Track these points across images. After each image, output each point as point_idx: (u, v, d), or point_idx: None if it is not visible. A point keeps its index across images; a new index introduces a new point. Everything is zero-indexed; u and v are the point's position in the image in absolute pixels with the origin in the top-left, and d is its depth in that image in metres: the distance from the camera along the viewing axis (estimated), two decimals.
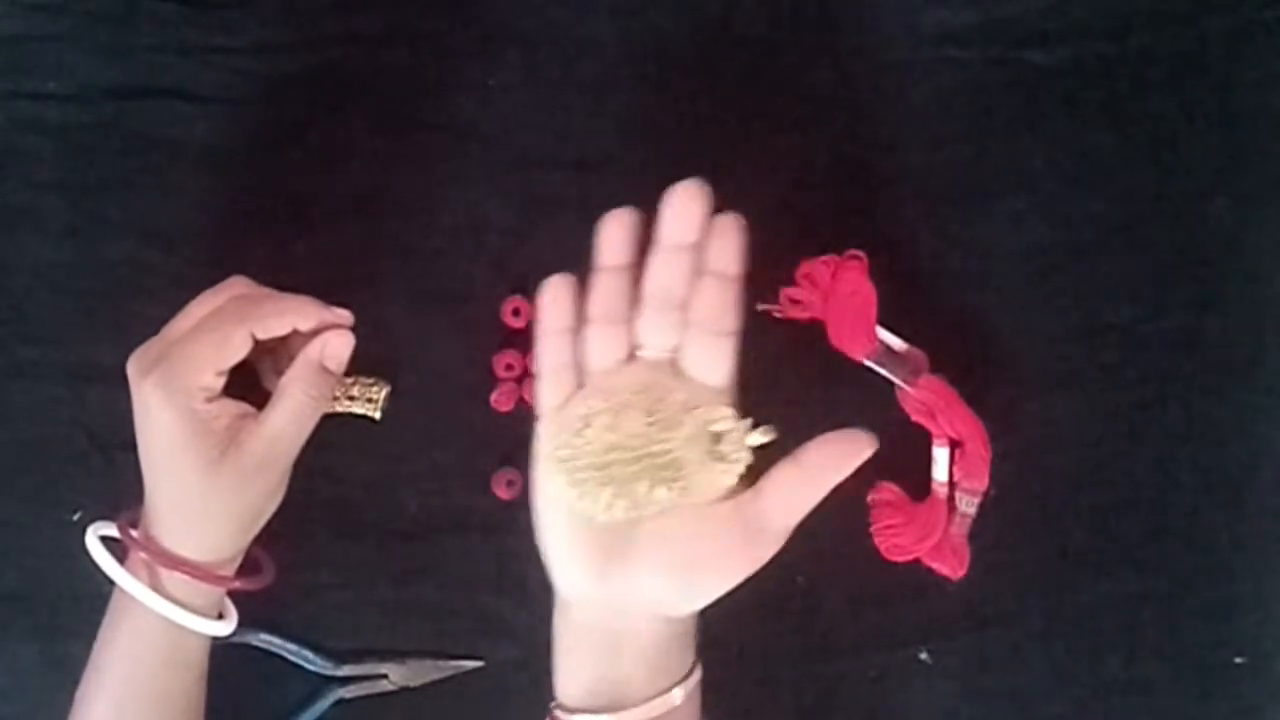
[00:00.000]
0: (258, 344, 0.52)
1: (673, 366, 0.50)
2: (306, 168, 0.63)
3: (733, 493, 0.49)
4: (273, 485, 0.52)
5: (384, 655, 0.62)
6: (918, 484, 0.62)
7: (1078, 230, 0.65)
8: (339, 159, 0.64)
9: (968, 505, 0.61)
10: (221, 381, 0.51)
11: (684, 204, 0.49)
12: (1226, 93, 0.66)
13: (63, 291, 0.62)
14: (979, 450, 0.60)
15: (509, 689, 0.62)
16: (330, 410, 0.61)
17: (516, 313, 0.63)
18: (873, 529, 0.62)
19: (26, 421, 0.62)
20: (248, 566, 0.55)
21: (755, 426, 0.49)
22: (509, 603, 0.62)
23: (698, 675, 0.51)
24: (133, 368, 0.51)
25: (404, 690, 0.62)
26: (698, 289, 0.50)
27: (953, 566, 0.61)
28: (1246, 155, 0.66)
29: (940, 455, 0.61)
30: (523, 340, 0.62)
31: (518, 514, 0.62)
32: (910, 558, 0.61)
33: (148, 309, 0.62)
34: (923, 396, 0.61)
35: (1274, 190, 0.65)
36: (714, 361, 0.50)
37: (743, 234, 0.50)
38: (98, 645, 0.53)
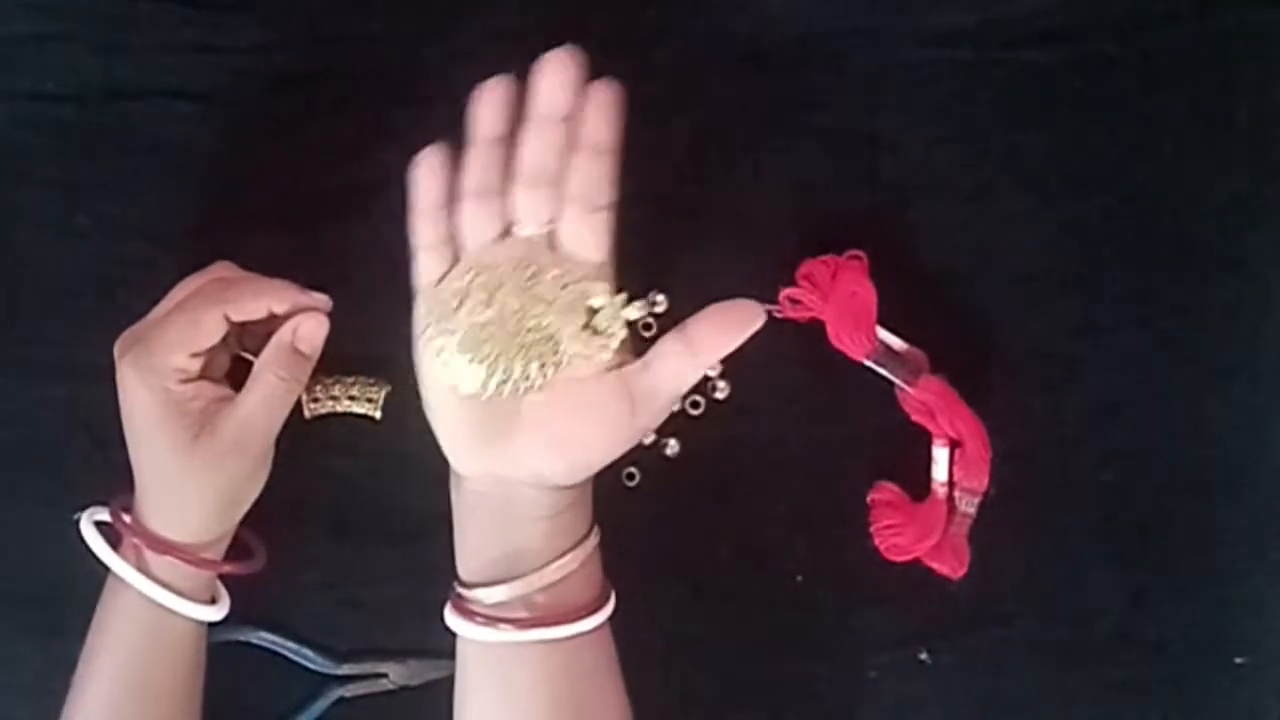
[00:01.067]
0: (247, 330, 0.53)
1: (549, 242, 0.50)
2: (306, 168, 0.63)
3: (617, 364, 0.49)
4: (249, 468, 0.52)
5: (384, 655, 0.62)
6: (918, 484, 0.62)
7: (1078, 230, 0.65)
8: (339, 159, 0.64)
9: (968, 505, 0.61)
10: (196, 364, 0.52)
11: (554, 74, 0.49)
12: (1227, 93, 0.66)
13: (63, 291, 0.62)
14: (979, 450, 0.60)
15: None
16: (330, 410, 0.61)
17: None
18: (873, 529, 0.62)
19: (26, 421, 0.62)
20: (238, 551, 0.55)
21: (631, 300, 0.49)
22: None
23: (594, 540, 0.52)
24: (116, 348, 0.52)
25: (404, 690, 0.62)
26: (571, 163, 0.49)
27: (953, 566, 0.61)
28: (1247, 155, 0.66)
29: (940, 455, 0.61)
30: None
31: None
32: (910, 558, 0.61)
33: (148, 309, 0.62)
34: (923, 396, 0.61)
35: (1274, 190, 0.65)
36: (589, 237, 0.50)
37: (617, 103, 0.49)
38: (91, 630, 0.54)
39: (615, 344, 0.49)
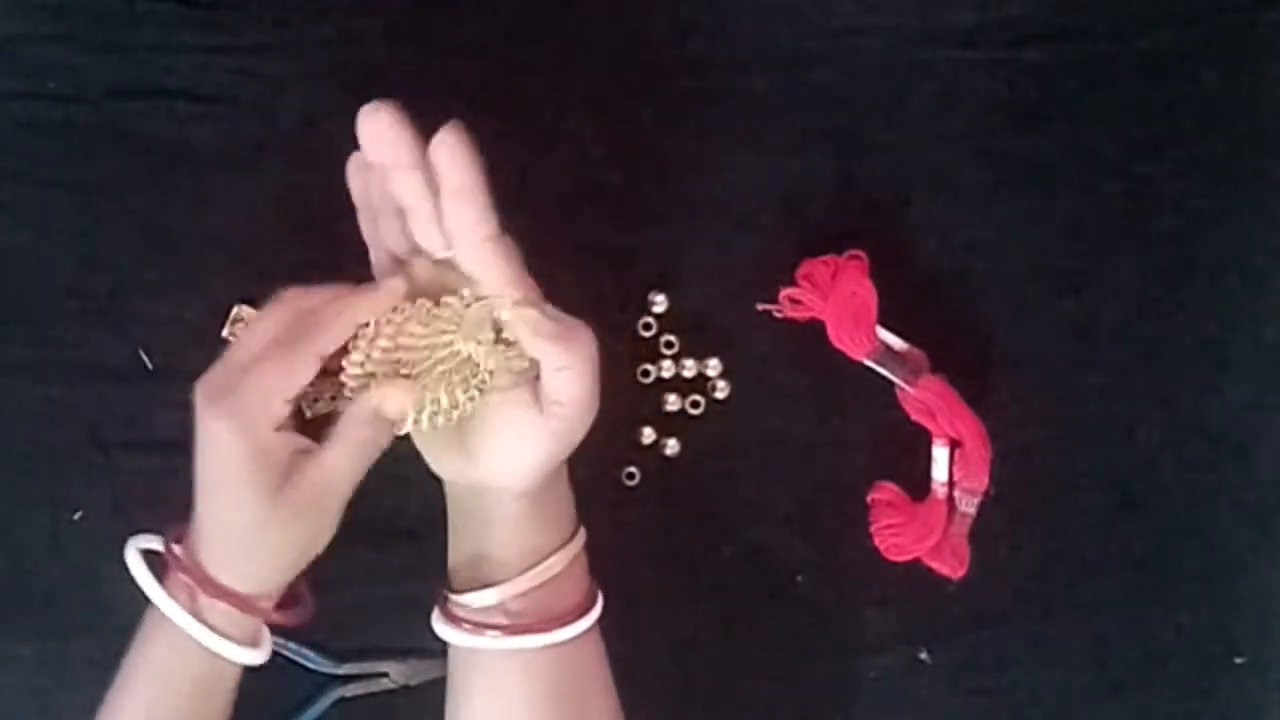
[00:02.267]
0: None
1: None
2: (306, 168, 0.63)
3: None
4: (324, 524, 0.51)
5: (384, 654, 0.62)
6: (918, 484, 0.62)
7: (1078, 230, 0.65)
8: (338, 159, 0.64)
9: (968, 505, 0.61)
10: (289, 410, 0.49)
11: (375, 136, 0.50)
12: (1226, 93, 0.66)
13: (63, 291, 0.62)
14: (979, 450, 0.60)
15: None
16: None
17: None
18: (873, 529, 0.62)
19: (26, 421, 0.62)
20: (288, 598, 0.54)
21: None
22: None
23: (578, 544, 0.52)
24: (200, 396, 0.49)
25: (404, 689, 0.62)
26: (441, 204, 0.50)
27: (953, 566, 0.61)
28: (1246, 155, 0.66)
29: (940, 455, 0.61)
30: None
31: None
32: (910, 558, 0.61)
33: (148, 309, 0.62)
34: (923, 396, 0.61)
35: (1274, 190, 0.65)
36: (481, 265, 0.50)
37: (463, 142, 0.49)
38: (128, 660, 0.52)
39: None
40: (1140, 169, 0.65)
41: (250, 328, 0.50)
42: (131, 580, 0.51)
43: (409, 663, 0.62)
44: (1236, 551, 0.65)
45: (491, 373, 0.50)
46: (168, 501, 0.62)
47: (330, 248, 0.63)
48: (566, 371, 0.49)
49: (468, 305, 0.50)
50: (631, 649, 0.63)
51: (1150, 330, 0.65)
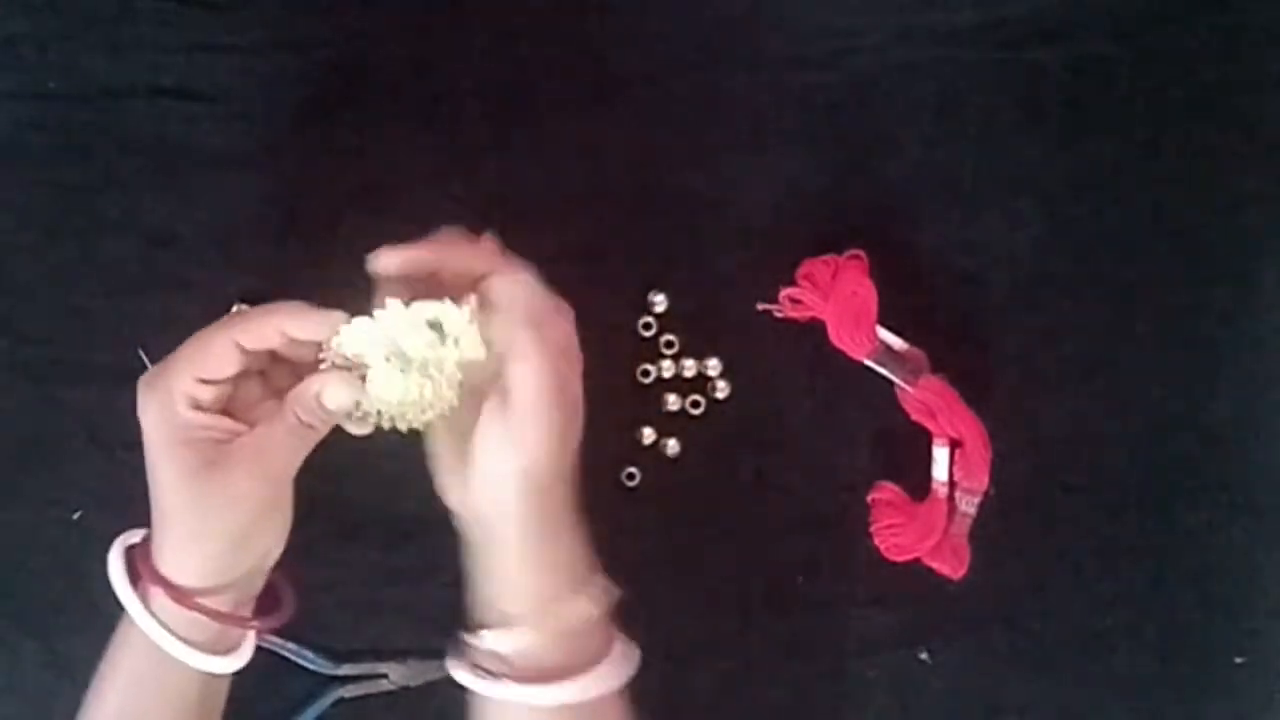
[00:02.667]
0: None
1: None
2: (306, 167, 0.63)
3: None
4: (260, 506, 0.50)
5: (384, 655, 0.62)
6: (918, 484, 0.62)
7: (1078, 230, 0.65)
8: (338, 158, 0.64)
9: (968, 505, 0.61)
10: (207, 392, 0.49)
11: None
12: (1226, 93, 0.66)
13: (63, 291, 0.62)
14: (979, 450, 0.60)
15: None
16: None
17: None
18: (873, 529, 0.62)
19: (26, 421, 0.62)
20: (267, 600, 0.54)
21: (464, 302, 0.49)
22: None
23: (596, 599, 0.50)
24: (138, 386, 0.50)
25: (404, 690, 0.62)
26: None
27: (953, 566, 0.61)
28: (1246, 155, 0.66)
29: (940, 455, 0.61)
30: None
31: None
32: (910, 558, 0.61)
33: (148, 309, 0.62)
34: (923, 396, 0.61)
35: (1274, 190, 0.65)
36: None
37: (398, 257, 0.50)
38: (102, 664, 0.52)
39: (478, 343, 0.49)
40: (1140, 169, 0.65)
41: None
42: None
43: (409, 664, 0.62)
44: (1236, 551, 0.65)
45: (457, 365, 0.49)
46: None
47: (329, 248, 0.63)
48: (523, 364, 0.47)
49: (406, 305, 0.49)
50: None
51: (1150, 330, 0.65)
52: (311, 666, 0.61)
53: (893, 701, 0.63)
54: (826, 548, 0.63)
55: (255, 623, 0.52)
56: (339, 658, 0.61)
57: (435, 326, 0.49)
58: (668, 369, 0.63)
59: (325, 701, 0.61)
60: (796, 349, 0.63)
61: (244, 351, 0.49)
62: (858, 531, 0.62)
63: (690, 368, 0.63)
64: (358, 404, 0.50)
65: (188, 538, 0.50)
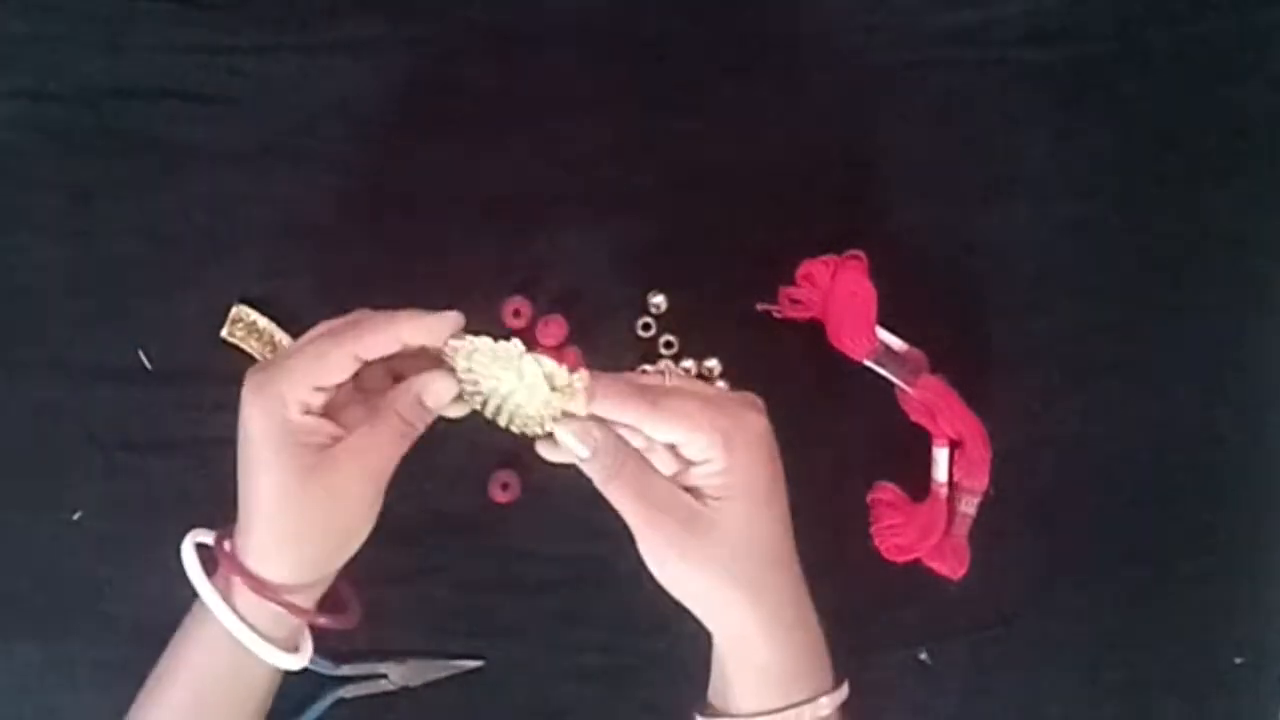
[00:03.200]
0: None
1: None
2: (305, 167, 0.63)
3: None
4: (360, 508, 0.51)
5: (384, 655, 0.62)
6: (918, 484, 0.62)
7: (1078, 230, 0.65)
8: (338, 159, 0.64)
9: (968, 505, 0.61)
10: (319, 398, 0.50)
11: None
12: (1226, 92, 0.66)
13: (63, 291, 0.62)
14: (979, 450, 0.60)
15: (509, 689, 0.62)
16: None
17: (517, 313, 0.63)
18: (873, 529, 0.62)
19: (26, 421, 0.62)
20: (333, 604, 0.54)
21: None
22: (509, 603, 0.62)
23: (828, 705, 0.51)
24: (245, 381, 0.50)
25: (404, 690, 0.62)
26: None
27: (953, 566, 0.61)
28: (1246, 155, 0.66)
29: (940, 455, 0.61)
30: (523, 340, 0.61)
31: (517, 515, 0.62)
32: (910, 558, 0.61)
33: (148, 309, 0.62)
34: (923, 396, 0.61)
35: (1274, 190, 0.65)
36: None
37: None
38: (168, 651, 0.52)
39: (582, 405, 0.50)
40: (1140, 169, 0.65)
41: (309, 331, 0.52)
42: (182, 575, 0.51)
43: (409, 664, 0.62)
44: (1236, 551, 0.65)
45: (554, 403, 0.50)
46: (167, 501, 0.62)
47: (329, 248, 0.63)
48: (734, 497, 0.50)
49: (520, 355, 0.51)
50: (631, 649, 0.63)
51: (1150, 330, 0.65)
52: (312, 666, 0.61)
53: (893, 701, 0.63)
54: (827, 548, 0.63)
55: (329, 620, 0.53)
56: (339, 658, 0.61)
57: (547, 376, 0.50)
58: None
59: (325, 702, 0.61)
60: (796, 349, 0.63)
61: (360, 361, 0.50)
62: (858, 531, 0.62)
63: (690, 368, 0.63)
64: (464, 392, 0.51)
65: (285, 538, 0.50)
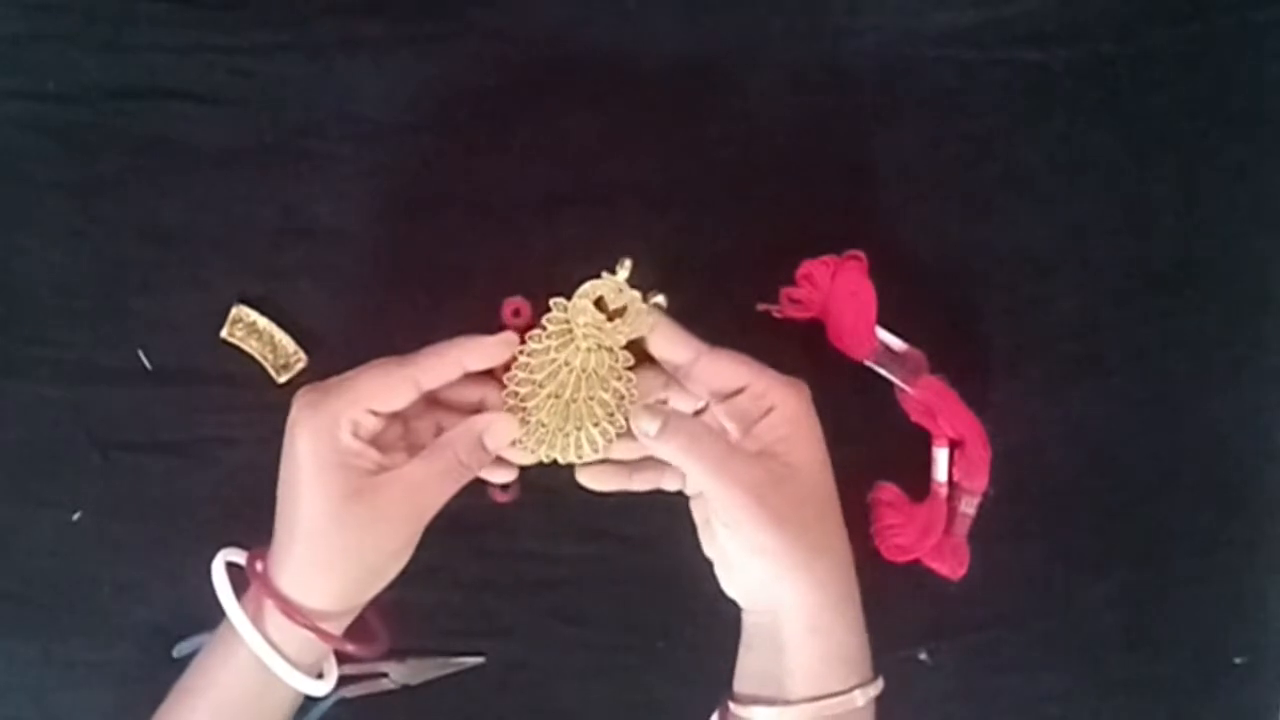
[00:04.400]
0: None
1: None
2: (305, 168, 0.63)
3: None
4: (399, 540, 0.51)
5: (384, 655, 0.62)
6: (918, 484, 0.62)
7: (1078, 230, 0.65)
8: (338, 159, 0.64)
9: (968, 505, 0.61)
10: (373, 423, 0.50)
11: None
12: (1226, 93, 0.66)
13: (63, 291, 0.62)
14: (979, 450, 0.60)
15: (509, 689, 0.62)
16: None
17: (517, 313, 0.62)
18: (873, 529, 0.62)
19: (26, 421, 0.62)
20: (360, 631, 0.54)
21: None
22: (509, 603, 0.62)
23: (867, 693, 0.52)
24: (297, 398, 0.50)
25: (404, 689, 0.62)
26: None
27: (952, 566, 0.61)
28: (1246, 155, 0.66)
29: (940, 455, 0.61)
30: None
31: (517, 515, 0.62)
32: (910, 558, 0.61)
33: (148, 309, 0.62)
34: (923, 396, 0.61)
35: (1274, 190, 0.65)
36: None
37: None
38: (193, 668, 0.52)
39: (638, 319, 0.53)
40: (1140, 169, 0.65)
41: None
42: (197, 588, 0.52)
43: (409, 663, 0.62)
44: (1236, 551, 0.65)
45: (625, 402, 0.52)
46: (167, 501, 0.62)
47: (329, 248, 0.63)
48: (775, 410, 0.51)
49: (563, 312, 0.53)
50: (631, 650, 0.63)
51: (1150, 331, 0.65)
52: None
53: (893, 701, 0.63)
54: None
55: (358, 649, 0.53)
56: (340, 657, 0.61)
57: (599, 304, 0.52)
58: None
59: (325, 702, 0.61)
60: (796, 349, 0.63)
61: (418, 388, 0.50)
62: (858, 531, 0.62)
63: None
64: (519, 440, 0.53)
65: (324, 563, 0.50)
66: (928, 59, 0.65)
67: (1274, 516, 0.65)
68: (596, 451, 0.54)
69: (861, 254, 0.61)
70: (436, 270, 0.63)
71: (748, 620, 0.54)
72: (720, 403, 0.53)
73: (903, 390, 0.61)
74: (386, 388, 0.50)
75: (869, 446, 0.63)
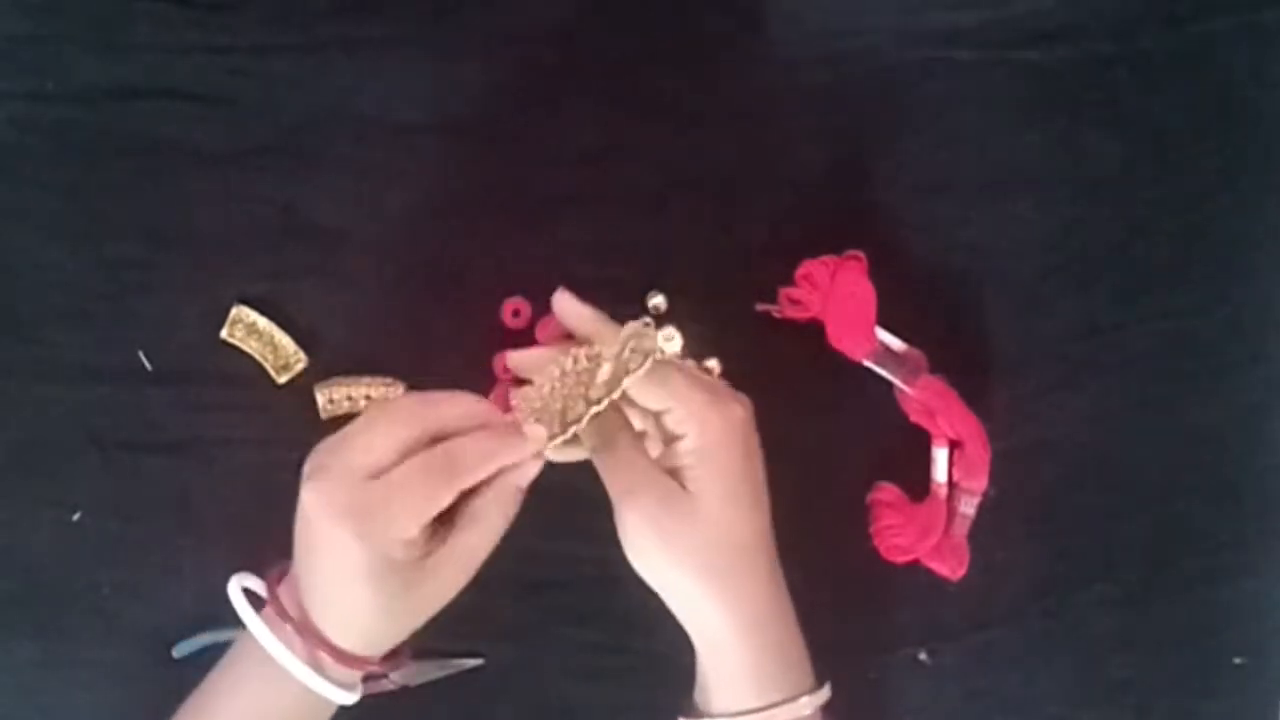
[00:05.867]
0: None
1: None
2: (305, 167, 0.63)
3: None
4: (449, 597, 0.51)
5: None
6: (918, 484, 0.62)
7: (1077, 230, 0.65)
8: (338, 159, 0.64)
9: (967, 505, 0.61)
10: (423, 532, 0.49)
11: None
12: (1226, 93, 0.66)
13: (63, 291, 0.62)
14: (979, 450, 0.60)
15: (509, 689, 0.62)
16: (348, 411, 0.61)
17: (516, 314, 0.63)
18: (873, 529, 0.62)
19: (26, 421, 0.62)
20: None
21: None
22: (509, 603, 0.62)
23: (807, 705, 0.51)
24: (320, 504, 0.48)
25: (404, 690, 0.62)
26: None
27: (952, 566, 0.61)
28: (1246, 155, 0.66)
29: (940, 455, 0.61)
30: (522, 341, 0.61)
31: (518, 515, 0.62)
32: (910, 558, 0.61)
33: (148, 309, 0.62)
34: (922, 396, 0.61)
35: (1274, 190, 0.65)
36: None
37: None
38: (213, 689, 0.52)
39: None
40: (1140, 169, 0.65)
41: (371, 436, 0.49)
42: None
43: (409, 664, 0.62)
44: (1236, 551, 0.65)
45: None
46: (167, 501, 0.62)
47: (329, 248, 0.63)
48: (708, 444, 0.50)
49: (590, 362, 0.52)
50: (630, 649, 0.63)
51: (1150, 331, 0.65)
52: None
53: (893, 701, 0.63)
54: (827, 548, 0.63)
55: (383, 667, 0.53)
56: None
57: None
58: None
59: None
60: (796, 349, 0.63)
61: (460, 492, 0.49)
62: (858, 531, 0.62)
63: (690, 368, 0.63)
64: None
65: (366, 631, 0.50)
66: (928, 59, 0.65)
67: (1274, 516, 0.65)
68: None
69: (861, 254, 0.61)
70: (436, 270, 0.63)
71: (693, 639, 0.53)
72: (653, 415, 0.53)
73: (902, 390, 0.61)
74: (436, 502, 0.48)
75: (869, 446, 0.63)
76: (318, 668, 0.50)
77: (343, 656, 0.50)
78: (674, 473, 0.51)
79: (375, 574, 0.48)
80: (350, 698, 0.52)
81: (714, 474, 0.50)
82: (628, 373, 0.50)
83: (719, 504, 0.50)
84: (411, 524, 0.48)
